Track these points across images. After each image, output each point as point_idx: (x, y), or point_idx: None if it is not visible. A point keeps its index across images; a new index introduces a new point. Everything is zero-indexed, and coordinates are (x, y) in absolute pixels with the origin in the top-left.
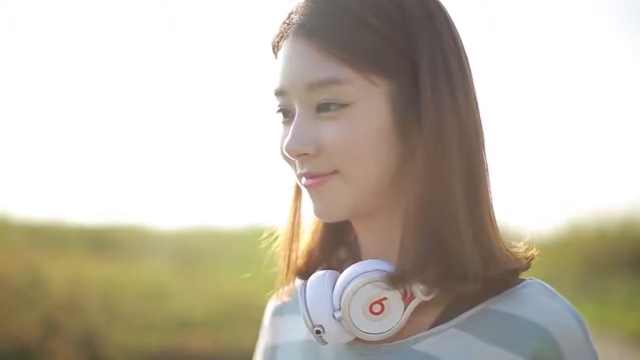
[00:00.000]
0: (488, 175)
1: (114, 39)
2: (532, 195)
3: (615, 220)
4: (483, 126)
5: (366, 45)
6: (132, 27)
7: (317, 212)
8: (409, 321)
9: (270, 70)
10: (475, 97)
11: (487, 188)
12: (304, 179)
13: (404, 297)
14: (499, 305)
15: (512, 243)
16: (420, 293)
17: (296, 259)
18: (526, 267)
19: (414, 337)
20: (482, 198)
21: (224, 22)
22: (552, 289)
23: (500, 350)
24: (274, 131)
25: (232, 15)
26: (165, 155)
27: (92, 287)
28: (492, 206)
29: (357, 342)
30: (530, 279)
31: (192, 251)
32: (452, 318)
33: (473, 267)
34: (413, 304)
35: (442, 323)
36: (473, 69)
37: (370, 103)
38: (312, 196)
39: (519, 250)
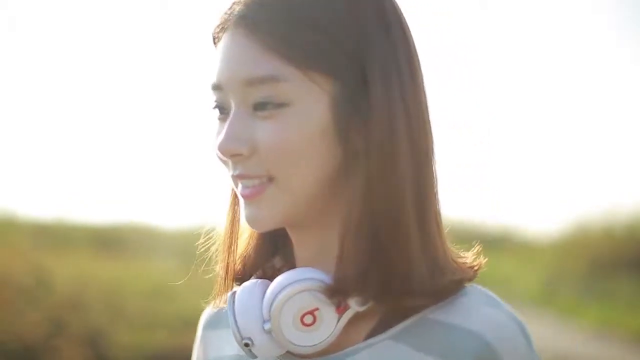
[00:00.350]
0: (436, 182)
1: (115, 37)
2: (539, 195)
3: (621, 220)
4: (432, 131)
5: (310, 42)
6: (133, 26)
7: (249, 221)
8: (344, 332)
9: (210, 63)
10: (425, 101)
11: (435, 195)
12: (240, 186)
13: (338, 307)
14: (437, 314)
15: (459, 253)
16: (355, 304)
17: (234, 264)
18: (472, 278)
19: (348, 349)
20: (431, 205)
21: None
22: (493, 296)
23: None
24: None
25: None
26: (172, 154)
27: (97, 286)
28: (439, 213)
29: (289, 356)
30: (472, 286)
31: (202, 251)
32: (388, 329)
33: (419, 279)
34: (347, 315)
35: (378, 334)
36: (426, 69)
37: (310, 103)
38: (245, 204)
39: (466, 260)
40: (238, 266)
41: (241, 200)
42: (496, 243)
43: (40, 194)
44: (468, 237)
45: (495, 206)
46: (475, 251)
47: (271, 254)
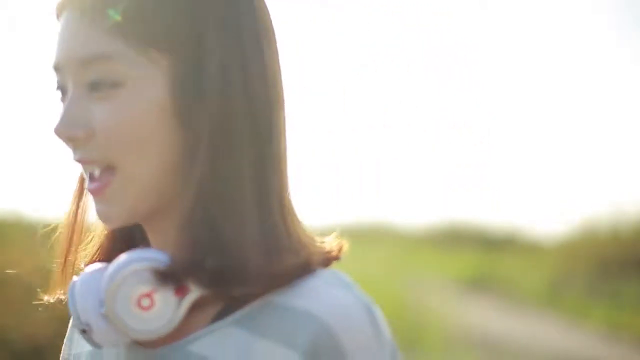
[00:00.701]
0: (283, 162)
1: None
2: (545, 196)
3: (628, 221)
4: (283, 109)
5: (143, 18)
6: None
7: (100, 217)
8: (190, 318)
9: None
10: (275, 80)
11: (280, 175)
12: (87, 181)
13: (176, 290)
14: (280, 297)
15: (316, 236)
16: (195, 287)
17: (76, 255)
18: (327, 261)
19: (191, 336)
20: (273, 186)
21: None
22: (345, 278)
23: (273, 345)
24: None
25: None
26: None
27: None
28: (285, 194)
29: (137, 346)
30: (325, 269)
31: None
32: (231, 314)
33: (256, 263)
34: (189, 299)
35: (222, 319)
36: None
37: (146, 83)
38: (94, 199)
39: (323, 244)
40: (95, 257)
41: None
42: (503, 244)
43: (47, 194)
44: (475, 238)
45: (501, 207)
46: (335, 236)
47: (130, 243)
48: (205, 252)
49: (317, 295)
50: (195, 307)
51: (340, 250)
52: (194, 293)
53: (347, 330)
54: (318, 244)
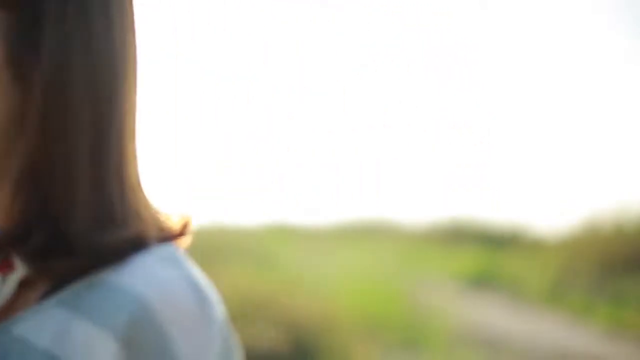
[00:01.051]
0: (128, 132)
1: None
2: (548, 193)
3: (633, 219)
4: (132, 80)
5: None
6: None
7: None
8: (20, 298)
9: None
10: (124, 43)
11: (121, 145)
12: None
13: (0, 267)
14: (108, 275)
15: (162, 213)
16: (20, 264)
17: None
18: (166, 237)
19: (16, 316)
20: (111, 156)
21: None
22: (178, 255)
23: (91, 326)
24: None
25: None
26: (180, 151)
27: None
28: (127, 166)
29: None
30: (160, 245)
31: (207, 249)
32: (59, 292)
33: (82, 238)
34: (15, 277)
35: (48, 299)
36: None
37: None
38: None
39: (167, 221)
40: None
41: None
42: (505, 242)
43: None
44: (477, 236)
45: (504, 205)
46: (181, 214)
47: None
48: (31, 224)
49: (141, 272)
50: (27, 285)
51: (185, 227)
52: (20, 269)
53: (168, 308)
54: (159, 220)
